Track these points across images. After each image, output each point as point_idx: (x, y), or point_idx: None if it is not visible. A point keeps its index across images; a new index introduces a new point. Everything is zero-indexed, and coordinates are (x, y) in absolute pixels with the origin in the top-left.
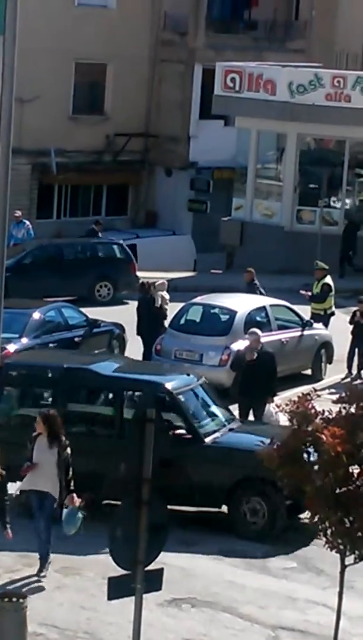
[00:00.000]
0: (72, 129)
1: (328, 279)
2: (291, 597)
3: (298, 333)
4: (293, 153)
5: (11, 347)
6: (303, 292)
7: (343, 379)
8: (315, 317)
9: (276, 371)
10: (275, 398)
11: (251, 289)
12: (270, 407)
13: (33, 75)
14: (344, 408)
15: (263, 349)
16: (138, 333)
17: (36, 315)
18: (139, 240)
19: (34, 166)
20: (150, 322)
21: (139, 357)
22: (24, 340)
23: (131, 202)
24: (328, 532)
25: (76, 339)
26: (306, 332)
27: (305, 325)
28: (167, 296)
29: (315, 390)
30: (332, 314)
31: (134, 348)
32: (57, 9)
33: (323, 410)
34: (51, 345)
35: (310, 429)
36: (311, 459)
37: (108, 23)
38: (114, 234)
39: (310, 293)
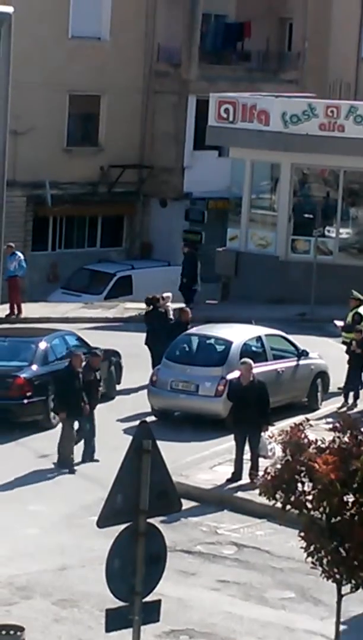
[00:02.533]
0: (67, 161)
1: (361, 309)
2: (289, 628)
3: (294, 363)
4: (288, 183)
5: (23, 374)
6: (336, 322)
7: (339, 408)
8: (346, 345)
9: (269, 400)
10: (270, 427)
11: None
12: (265, 437)
13: (27, 107)
14: (338, 437)
15: (255, 379)
16: (147, 344)
17: (43, 343)
18: (135, 271)
19: (28, 198)
20: (165, 333)
21: (135, 384)
22: (34, 367)
23: (126, 233)
24: (324, 561)
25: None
26: (302, 362)
27: (300, 355)
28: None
29: (308, 419)
30: None
31: (133, 376)
32: (50, 41)
33: (316, 440)
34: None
35: (303, 458)
36: (306, 488)
37: (102, 55)
38: (109, 266)
39: (342, 324)
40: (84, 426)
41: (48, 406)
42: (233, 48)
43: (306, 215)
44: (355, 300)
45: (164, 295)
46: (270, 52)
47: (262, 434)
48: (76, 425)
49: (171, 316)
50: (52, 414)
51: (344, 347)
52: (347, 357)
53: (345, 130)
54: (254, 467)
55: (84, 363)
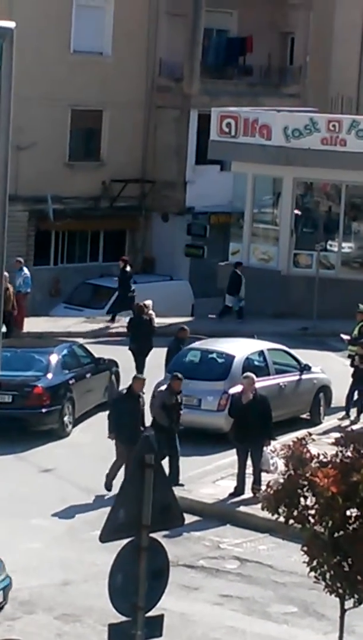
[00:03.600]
0: (69, 176)
1: None
2: None
3: (297, 377)
4: (290, 197)
5: (40, 384)
6: (343, 335)
7: (341, 421)
8: (351, 358)
9: (271, 414)
10: (273, 442)
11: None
12: (267, 452)
13: (29, 122)
14: (341, 452)
15: (257, 393)
16: (131, 349)
17: (55, 354)
18: (137, 285)
19: (31, 213)
20: (147, 339)
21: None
22: (50, 376)
23: (128, 247)
24: (327, 576)
25: (87, 375)
26: (304, 376)
27: (303, 369)
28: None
29: (310, 434)
30: None
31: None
32: (53, 56)
33: (318, 454)
34: (70, 381)
35: (305, 472)
36: (308, 503)
37: (104, 70)
38: (111, 280)
39: (349, 337)
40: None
41: (63, 415)
42: (234, 63)
43: (307, 230)
44: (361, 314)
45: (146, 303)
46: (271, 67)
47: (264, 448)
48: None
49: (155, 323)
50: (66, 422)
51: (348, 361)
52: (351, 370)
53: (347, 145)
54: (256, 481)
55: (164, 387)
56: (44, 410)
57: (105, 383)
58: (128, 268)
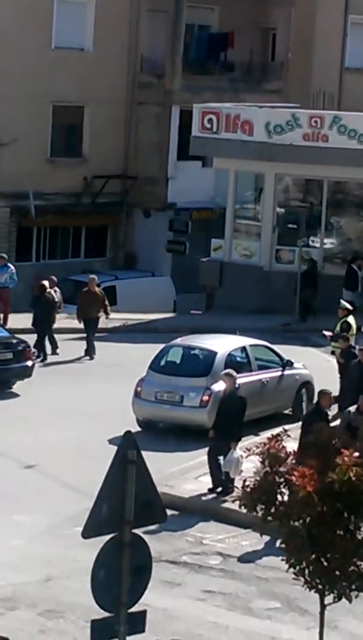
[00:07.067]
0: (51, 172)
1: (350, 319)
2: (275, 638)
3: (279, 373)
4: (272, 193)
5: None
6: (325, 332)
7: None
8: (335, 354)
9: (242, 416)
10: (238, 444)
11: None
12: (233, 453)
13: (10, 118)
14: (315, 446)
15: (235, 392)
16: (34, 325)
17: None
18: (119, 281)
19: (12, 209)
20: (49, 315)
21: (119, 394)
22: None
23: (110, 243)
24: (306, 572)
25: None
26: (286, 372)
27: (285, 365)
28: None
29: (286, 430)
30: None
31: (117, 385)
32: (34, 52)
33: (294, 451)
34: None
35: (281, 470)
36: (285, 498)
37: (85, 66)
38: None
39: (331, 333)
40: None
41: None
42: (216, 58)
43: (290, 226)
44: (343, 310)
45: (45, 282)
46: (253, 63)
47: (232, 450)
48: None
49: (56, 300)
50: None
51: (332, 357)
52: (336, 366)
53: (329, 141)
54: (228, 479)
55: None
56: None
57: None
58: (50, 292)
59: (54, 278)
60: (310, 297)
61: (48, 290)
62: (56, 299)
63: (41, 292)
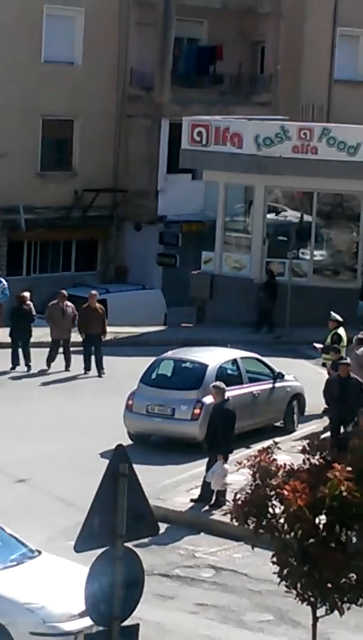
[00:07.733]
0: (41, 186)
1: (340, 330)
2: None
3: (270, 385)
4: (261, 205)
5: None
6: (316, 344)
7: (325, 429)
8: (326, 366)
9: (230, 430)
10: (224, 458)
11: None
12: (219, 466)
13: (0, 132)
14: (308, 460)
15: (223, 405)
16: (11, 335)
17: None
18: (109, 295)
19: (2, 223)
20: (28, 327)
21: (109, 407)
22: None
23: (101, 257)
24: (298, 585)
25: None
26: (277, 384)
27: (276, 377)
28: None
29: (276, 443)
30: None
31: (107, 399)
32: (23, 65)
33: (285, 464)
34: None
35: (273, 482)
36: (277, 511)
37: (75, 79)
38: (84, 290)
39: (322, 346)
40: None
41: None
42: (205, 71)
43: (280, 238)
44: (333, 322)
45: (25, 294)
46: (242, 75)
47: (219, 463)
48: None
49: (33, 312)
50: None
51: (323, 369)
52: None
53: (319, 153)
54: (219, 492)
55: None
56: None
57: None
58: (29, 304)
59: (64, 292)
60: (268, 308)
61: (27, 302)
62: (33, 312)
63: (20, 303)
